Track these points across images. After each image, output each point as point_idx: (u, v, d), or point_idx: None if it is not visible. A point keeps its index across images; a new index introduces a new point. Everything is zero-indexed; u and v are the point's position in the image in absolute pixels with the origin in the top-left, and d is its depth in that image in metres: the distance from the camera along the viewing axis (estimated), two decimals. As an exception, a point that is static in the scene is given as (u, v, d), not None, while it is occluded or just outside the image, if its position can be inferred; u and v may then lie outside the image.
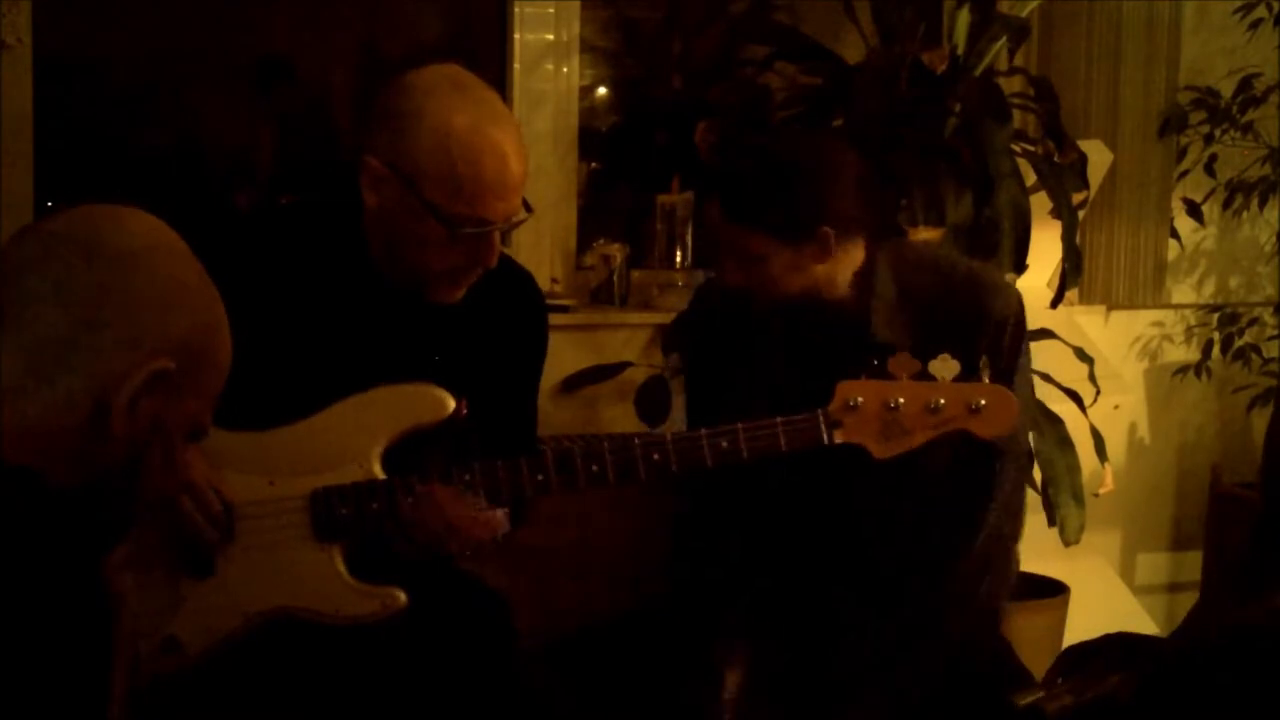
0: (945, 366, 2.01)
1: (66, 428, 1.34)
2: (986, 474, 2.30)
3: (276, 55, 3.69)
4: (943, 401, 2.01)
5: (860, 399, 2.02)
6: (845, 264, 2.27)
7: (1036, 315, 3.36)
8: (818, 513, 2.34)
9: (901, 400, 2.02)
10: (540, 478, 2.04)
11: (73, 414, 1.34)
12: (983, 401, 2.01)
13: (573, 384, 3.42)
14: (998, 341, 2.28)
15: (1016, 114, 3.34)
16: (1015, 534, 2.41)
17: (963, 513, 2.31)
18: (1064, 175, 3.25)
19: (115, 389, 1.34)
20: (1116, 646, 1.92)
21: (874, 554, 2.32)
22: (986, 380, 2.02)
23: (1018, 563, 2.47)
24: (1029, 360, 2.44)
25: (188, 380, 1.40)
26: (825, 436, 2.03)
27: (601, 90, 3.96)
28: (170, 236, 1.43)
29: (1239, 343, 4.14)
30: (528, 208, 2.09)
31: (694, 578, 2.45)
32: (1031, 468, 2.58)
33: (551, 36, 3.65)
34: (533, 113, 3.61)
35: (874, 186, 2.32)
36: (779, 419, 2.04)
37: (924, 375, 2.02)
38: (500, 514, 2.05)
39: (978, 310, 2.30)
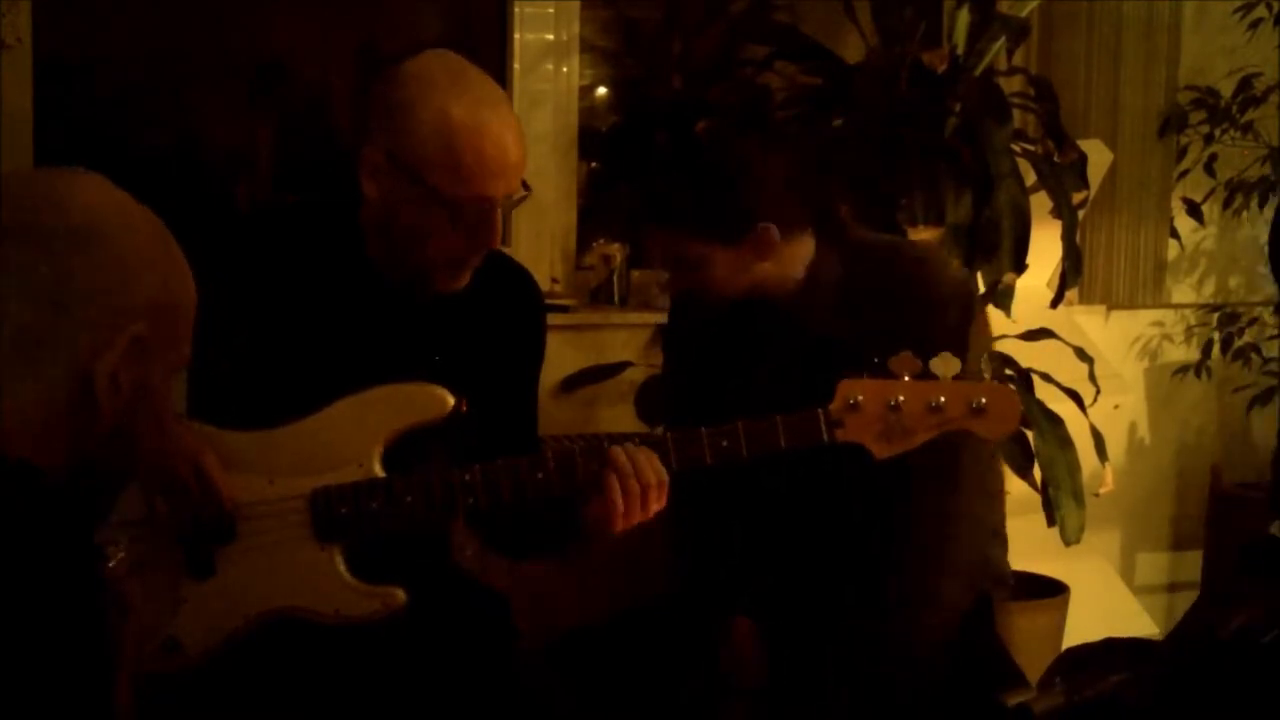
0: (946, 365, 2.00)
1: (54, 413, 1.33)
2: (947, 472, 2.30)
3: (273, 61, 3.69)
4: (944, 400, 2.00)
5: (861, 398, 2.01)
6: (793, 259, 2.27)
7: (1037, 315, 3.37)
8: (815, 510, 2.34)
9: (903, 399, 2.00)
10: (540, 477, 2.04)
11: (57, 399, 1.33)
12: (984, 400, 2.00)
13: (572, 384, 3.43)
14: (935, 322, 2.27)
15: (1016, 114, 3.35)
16: (995, 525, 2.41)
17: (928, 511, 2.31)
18: (1064, 175, 3.26)
19: (94, 365, 1.33)
20: (1115, 650, 1.92)
21: (868, 551, 2.32)
22: (988, 379, 2.01)
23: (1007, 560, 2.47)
24: (985, 342, 2.43)
25: (162, 336, 1.39)
26: (826, 435, 2.02)
27: (601, 90, 3.97)
28: (120, 199, 1.41)
29: (1239, 343, 4.15)
30: (526, 186, 2.10)
31: (692, 576, 2.45)
32: (997, 458, 2.59)
33: (551, 36, 3.65)
34: (533, 113, 3.61)
35: (809, 180, 2.33)
36: (779, 417, 2.03)
37: (926, 374, 2.01)
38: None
39: (917, 293, 2.28)
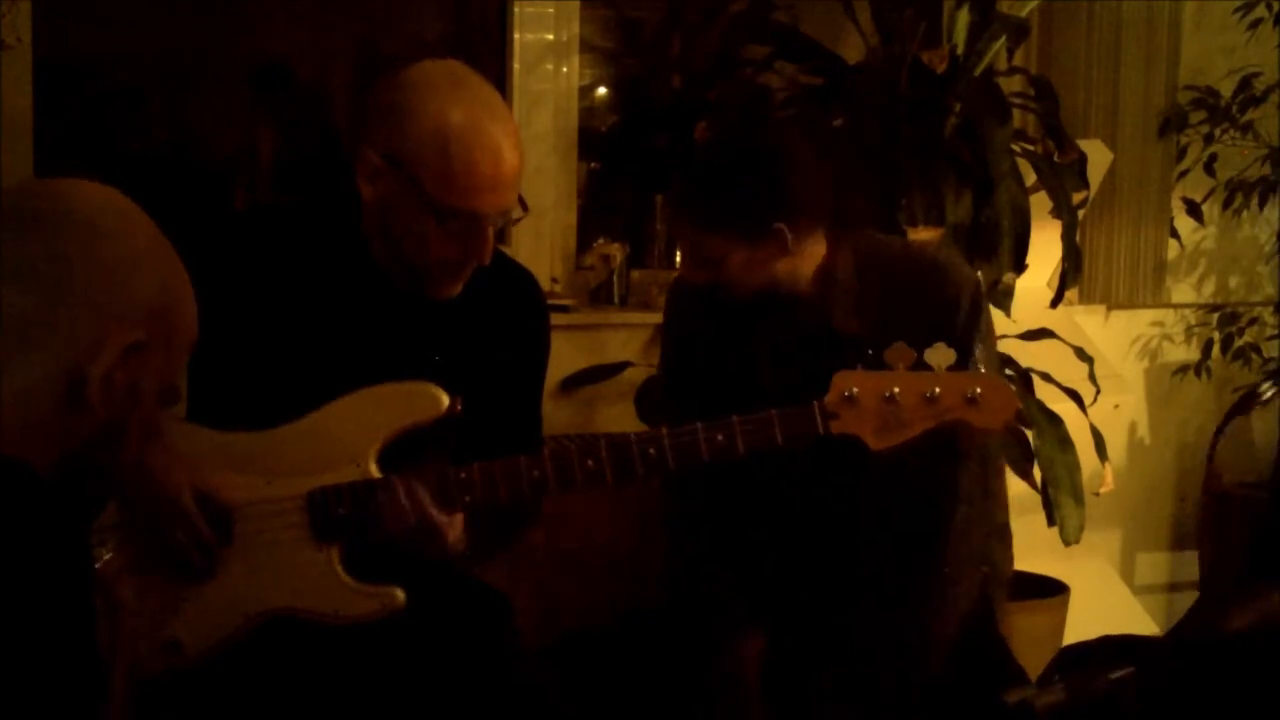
0: (941, 356, 1.99)
1: (43, 405, 1.33)
2: (950, 472, 2.31)
3: (274, 62, 3.70)
4: (939, 391, 1.99)
5: (856, 390, 2.00)
6: (808, 259, 2.30)
7: (1037, 315, 3.37)
8: (811, 506, 2.34)
9: (898, 391, 1.99)
10: (537, 475, 2.04)
11: (47, 391, 1.33)
12: (979, 391, 1.99)
13: (572, 384, 3.43)
14: (952, 320, 2.30)
15: (1016, 114, 3.35)
16: (1002, 530, 2.41)
17: (931, 511, 2.32)
18: (1064, 175, 3.26)
19: (88, 362, 1.33)
20: (1113, 647, 1.91)
21: (864, 548, 2.32)
22: (983, 371, 2.01)
23: (1011, 560, 2.47)
24: (993, 340, 2.45)
25: (158, 344, 1.39)
26: (821, 428, 2.02)
27: (601, 90, 3.97)
28: (122, 202, 1.41)
29: (1239, 342, 4.15)
30: (524, 206, 2.09)
31: (689, 576, 2.45)
32: (999, 458, 2.60)
33: (551, 36, 3.65)
34: (533, 113, 3.61)
35: (829, 179, 2.34)
36: (774, 411, 2.02)
37: (920, 365, 2.00)
38: (458, 519, 2.04)
39: (933, 292, 2.32)
